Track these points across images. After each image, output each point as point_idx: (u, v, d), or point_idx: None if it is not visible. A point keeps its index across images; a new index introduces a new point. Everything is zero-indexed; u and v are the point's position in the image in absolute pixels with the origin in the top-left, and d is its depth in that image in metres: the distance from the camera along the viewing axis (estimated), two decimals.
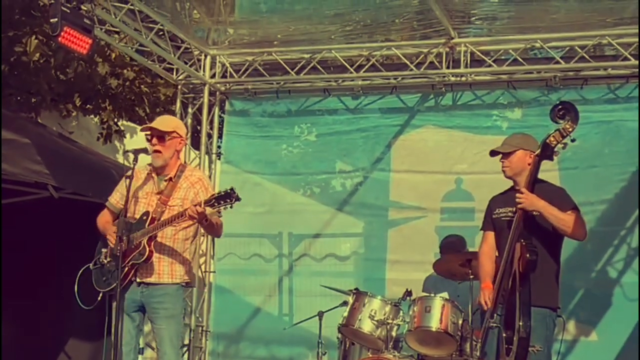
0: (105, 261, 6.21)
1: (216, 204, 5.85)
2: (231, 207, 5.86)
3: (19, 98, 9.46)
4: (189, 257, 6.36)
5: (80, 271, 6.32)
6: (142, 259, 6.07)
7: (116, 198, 6.44)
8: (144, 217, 6.17)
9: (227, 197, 5.82)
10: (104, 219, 6.45)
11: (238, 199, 5.83)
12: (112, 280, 6.09)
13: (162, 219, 6.13)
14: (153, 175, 6.34)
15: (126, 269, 6.08)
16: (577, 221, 5.98)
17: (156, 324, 6.21)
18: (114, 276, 6.06)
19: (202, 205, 5.89)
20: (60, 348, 9.55)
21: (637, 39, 8.57)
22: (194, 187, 6.27)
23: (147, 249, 6.07)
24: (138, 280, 6.16)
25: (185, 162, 9.70)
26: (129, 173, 6.22)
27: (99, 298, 6.16)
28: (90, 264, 6.33)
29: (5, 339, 9.07)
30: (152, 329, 6.28)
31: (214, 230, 6.36)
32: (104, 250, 6.27)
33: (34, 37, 8.99)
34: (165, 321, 6.18)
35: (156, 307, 6.17)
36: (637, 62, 8.67)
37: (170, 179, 6.26)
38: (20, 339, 9.32)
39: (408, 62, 9.40)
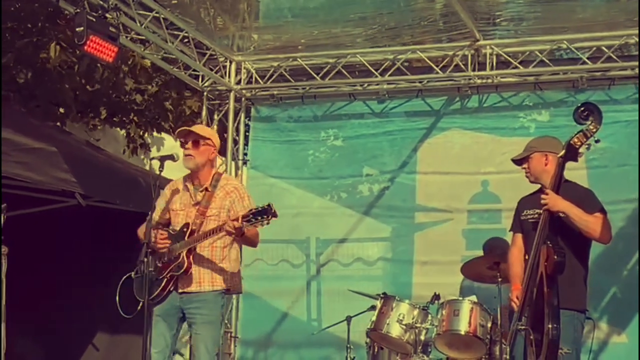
0: (147, 270, 6.20)
1: (253, 220, 5.85)
2: (268, 223, 5.88)
3: (43, 107, 9.53)
4: (229, 264, 6.34)
5: (122, 280, 6.31)
6: (181, 271, 6.11)
7: (157, 213, 6.42)
8: (184, 229, 6.20)
9: (264, 212, 5.83)
10: (140, 230, 6.42)
11: (275, 216, 5.83)
12: (153, 289, 6.09)
13: (201, 229, 6.17)
14: (188, 186, 6.37)
15: (164, 280, 6.12)
16: (603, 225, 5.93)
17: (193, 330, 6.24)
18: (156, 285, 6.08)
19: (240, 221, 5.91)
20: (87, 355, 9.61)
21: None
22: (230, 196, 6.29)
23: (186, 261, 6.11)
24: (180, 290, 6.19)
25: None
26: (175, 186, 6.35)
27: (139, 307, 6.16)
28: (132, 273, 6.32)
29: (36, 345, 9.13)
30: (191, 335, 6.30)
31: (249, 242, 6.40)
32: (145, 259, 6.21)
33: (54, 43, 9.03)
34: (202, 327, 6.20)
35: (194, 313, 6.19)
36: None
37: (206, 189, 6.28)
38: (50, 346, 9.38)
39: (433, 65, 9.38)
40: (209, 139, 6.37)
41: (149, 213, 6.15)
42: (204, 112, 10.12)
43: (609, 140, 8.71)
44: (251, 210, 5.91)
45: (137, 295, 6.20)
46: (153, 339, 6.19)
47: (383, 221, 9.81)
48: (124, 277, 6.33)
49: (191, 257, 6.14)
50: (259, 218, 5.83)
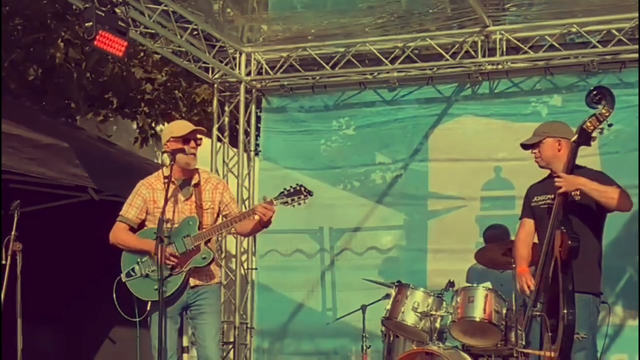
0: (149, 270, 6.16)
1: (289, 201, 5.91)
2: (305, 202, 5.93)
3: (54, 103, 9.55)
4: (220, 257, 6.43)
5: (114, 284, 6.19)
6: (206, 263, 6.09)
7: (133, 213, 6.29)
8: (190, 222, 6.14)
9: (298, 193, 5.89)
10: (126, 234, 6.27)
11: (310, 194, 5.91)
12: (167, 288, 5.99)
13: (203, 222, 6.15)
14: (173, 182, 6.21)
15: (183, 274, 6.08)
16: (622, 193, 5.90)
17: (200, 320, 6.21)
18: (173, 282, 6.05)
19: (274, 204, 5.93)
20: (104, 349, 9.65)
21: None
22: (217, 189, 6.31)
23: (211, 252, 6.11)
24: (191, 284, 6.16)
25: (224, 160, 9.86)
26: (167, 175, 6.21)
27: (149, 307, 6.15)
28: (122, 276, 6.18)
29: (52, 341, 9.16)
30: (194, 325, 6.28)
31: (259, 230, 6.39)
32: (140, 260, 6.15)
33: (59, 40, 9.06)
34: (210, 316, 6.20)
35: (202, 304, 6.18)
36: None
37: (195, 184, 6.27)
38: (66, 341, 9.42)
39: (443, 52, 9.36)
40: (202, 138, 6.42)
41: (159, 225, 5.99)
42: (214, 104, 10.15)
43: (621, 124, 8.70)
44: (282, 192, 5.95)
45: (142, 296, 6.08)
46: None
47: (396, 209, 9.81)
48: (115, 282, 6.18)
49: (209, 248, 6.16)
50: (295, 198, 5.90)
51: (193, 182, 6.27)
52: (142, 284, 6.13)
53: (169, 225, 6.10)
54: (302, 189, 5.92)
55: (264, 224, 6.13)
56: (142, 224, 6.30)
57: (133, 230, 6.30)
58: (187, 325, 6.47)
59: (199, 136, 6.32)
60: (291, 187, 5.96)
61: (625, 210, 6.10)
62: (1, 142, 7.08)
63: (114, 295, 6.11)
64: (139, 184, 6.38)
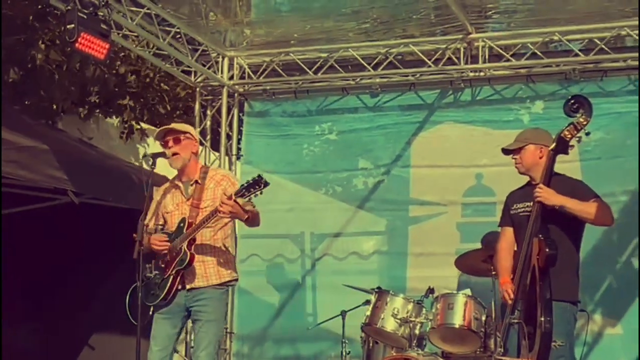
0: (151, 275, 6.20)
1: (246, 193, 5.85)
2: (261, 193, 5.86)
3: (34, 105, 9.50)
4: (231, 254, 6.37)
5: (130, 289, 6.22)
6: (185, 264, 6.09)
7: (151, 220, 6.40)
8: (181, 224, 6.19)
9: (256, 184, 5.83)
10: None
11: (266, 184, 5.83)
12: (159, 292, 6.10)
13: (196, 222, 6.16)
14: (178, 184, 6.35)
15: (171, 277, 6.10)
16: (601, 208, 5.92)
17: (197, 326, 6.24)
18: (161, 287, 6.07)
19: (233, 197, 5.90)
20: (81, 351, 9.61)
21: None
22: (221, 185, 6.28)
23: (188, 253, 6.09)
24: (187, 287, 6.17)
25: (205, 163, 9.80)
26: (167, 185, 6.34)
27: (151, 312, 6.15)
28: (138, 283, 6.26)
29: (31, 343, 9.12)
30: (194, 329, 6.29)
31: (254, 222, 6.30)
32: (147, 265, 6.22)
33: (40, 41, 9.02)
34: (206, 325, 6.19)
35: (199, 311, 6.19)
36: None
37: (196, 182, 6.27)
38: (45, 344, 9.38)
39: (426, 59, 9.37)
40: (187, 132, 6.37)
41: (139, 220, 6.09)
42: (196, 108, 10.12)
43: (602, 132, 8.75)
44: (242, 185, 5.90)
45: (147, 301, 6.13)
46: (155, 336, 6.19)
47: (378, 215, 9.80)
48: (131, 287, 6.22)
49: (192, 248, 6.13)
50: (252, 190, 5.83)
51: (194, 179, 6.29)
52: (145, 290, 6.16)
53: (165, 228, 6.21)
54: (259, 179, 5.83)
55: (244, 219, 6.11)
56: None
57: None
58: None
59: (179, 129, 6.34)
60: (251, 179, 5.88)
61: (605, 225, 6.14)
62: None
63: (127, 300, 6.18)
64: (156, 191, 6.46)
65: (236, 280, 6.44)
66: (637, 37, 8.66)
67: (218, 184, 6.29)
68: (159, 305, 6.15)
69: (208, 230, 6.19)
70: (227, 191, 6.09)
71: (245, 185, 5.87)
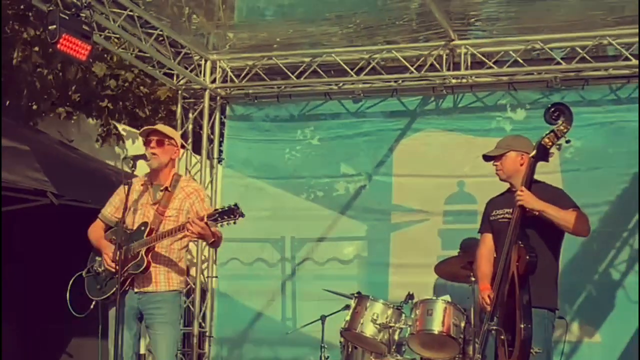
0: (100, 269, 6.23)
1: (219, 219, 5.90)
2: (235, 223, 5.90)
3: (14, 105, 9.46)
4: (184, 266, 6.43)
5: (73, 278, 6.32)
6: (140, 270, 6.10)
7: (110, 211, 6.47)
8: (142, 228, 6.20)
9: (231, 212, 5.87)
10: (97, 232, 6.46)
11: (241, 215, 5.87)
12: (107, 289, 6.15)
13: (159, 229, 6.17)
14: (149, 186, 6.37)
15: (122, 278, 6.08)
16: (579, 218, 5.94)
17: (152, 330, 6.23)
18: (110, 285, 6.10)
19: (205, 220, 5.92)
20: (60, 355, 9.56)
21: (636, 39, 8.55)
22: (190, 198, 6.32)
23: (145, 259, 6.10)
24: (135, 290, 6.19)
25: (186, 167, 9.78)
26: (128, 180, 6.25)
27: (92, 306, 6.16)
28: (83, 272, 6.34)
29: (7, 345, 9.07)
30: (148, 334, 6.28)
31: (217, 243, 6.39)
32: (97, 258, 6.30)
33: (21, 42, 8.99)
34: (161, 327, 6.21)
35: (153, 313, 6.19)
36: (637, 62, 8.64)
37: (166, 189, 6.28)
38: (22, 345, 9.32)
39: (408, 65, 9.37)
40: (173, 138, 6.41)
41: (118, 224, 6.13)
42: (178, 111, 10.08)
43: (583, 142, 8.76)
44: (217, 209, 5.95)
45: (90, 294, 6.22)
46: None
47: (359, 221, 9.79)
48: (75, 275, 6.32)
49: (149, 256, 6.14)
50: (225, 217, 5.87)
51: (164, 186, 6.28)
52: (92, 282, 6.28)
53: (128, 228, 6.17)
54: (236, 209, 5.87)
55: (208, 241, 6.14)
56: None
57: (109, 228, 6.41)
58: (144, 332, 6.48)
59: (166, 133, 6.35)
60: (227, 206, 5.92)
61: (582, 236, 6.16)
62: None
63: (69, 288, 6.20)
64: (122, 184, 6.41)
65: (181, 292, 6.47)
66: (619, 47, 8.70)
67: (187, 197, 6.33)
68: (107, 302, 6.15)
69: (167, 239, 6.20)
70: (194, 207, 6.21)
71: (220, 210, 5.92)
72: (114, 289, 6.05)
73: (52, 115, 10.15)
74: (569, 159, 8.74)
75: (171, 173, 6.41)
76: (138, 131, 10.77)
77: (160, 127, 6.52)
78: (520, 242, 5.60)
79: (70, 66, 9.65)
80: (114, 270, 6.08)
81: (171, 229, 6.10)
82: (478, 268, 6.30)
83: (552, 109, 5.76)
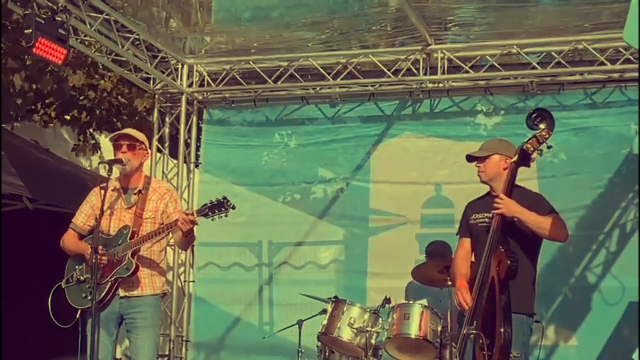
0: (82, 277, 6.18)
1: (210, 213, 5.90)
2: (226, 215, 5.93)
3: None
4: (165, 268, 6.45)
5: (52, 290, 6.25)
6: (129, 273, 6.08)
7: (82, 220, 6.42)
8: (124, 231, 6.16)
9: (221, 205, 5.89)
10: (72, 240, 6.40)
11: (233, 207, 5.90)
12: (95, 296, 6.05)
13: (140, 231, 6.14)
14: (118, 189, 6.35)
15: (109, 283, 6.07)
16: (556, 223, 5.94)
17: (134, 334, 6.20)
18: (99, 290, 6.03)
19: (195, 215, 5.91)
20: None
21: (612, 44, 8.63)
22: (164, 199, 6.34)
23: (133, 262, 6.09)
24: (121, 294, 6.16)
25: (163, 171, 9.76)
26: (104, 185, 6.22)
27: (78, 315, 6.11)
28: (62, 282, 6.27)
29: None
30: (129, 338, 6.25)
31: (189, 243, 6.38)
32: (78, 267, 6.23)
33: None
34: (143, 331, 6.19)
35: (135, 318, 6.17)
36: (612, 66, 8.71)
37: (140, 191, 6.27)
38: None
39: (385, 69, 9.39)
40: (143, 143, 6.41)
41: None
42: (155, 115, 10.05)
43: (558, 147, 8.78)
44: (205, 204, 5.95)
45: (73, 303, 6.15)
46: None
47: (337, 225, 9.80)
48: (54, 287, 6.25)
49: (136, 258, 6.13)
50: (216, 211, 5.90)
51: (137, 189, 6.26)
52: (76, 291, 6.20)
53: (104, 233, 6.12)
54: (225, 201, 5.92)
55: (186, 236, 6.13)
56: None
57: (82, 237, 6.36)
58: (122, 336, 6.44)
59: (137, 137, 6.34)
60: (216, 199, 5.96)
61: (560, 241, 6.17)
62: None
63: (50, 301, 6.15)
64: (92, 192, 6.45)
65: (165, 294, 6.49)
66: (594, 52, 8.76)
67: (161, 197, 6.34)
68: (90, 311, 6.08)
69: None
70: (168, 207, 6.25)
71: (209, 205, 5.93)
72: (103, 294, 6.02)
73: (28, 123, 10.09)
74: (545, 165, 8.75)
75: (142, 176, 6.42)
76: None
77: (129, 131, 6.49)
78: (501, 247, 5.60)
79: (46, 76, 9.56)
80: (105, 262, 6.03)
81: (158, 229, 6.11)
82: (455, 268, 6.27)
83: (534, 115, 5.77)
